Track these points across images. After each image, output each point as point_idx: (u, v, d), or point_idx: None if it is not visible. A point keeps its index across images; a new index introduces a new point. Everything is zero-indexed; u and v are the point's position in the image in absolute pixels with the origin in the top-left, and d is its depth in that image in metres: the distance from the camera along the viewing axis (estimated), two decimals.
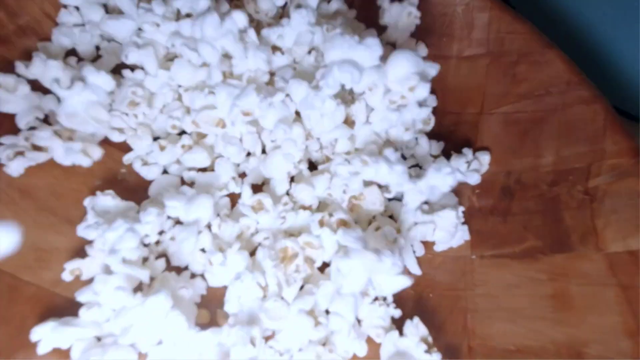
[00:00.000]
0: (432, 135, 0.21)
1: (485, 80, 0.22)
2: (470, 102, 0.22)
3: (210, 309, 0.17)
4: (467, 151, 0.20)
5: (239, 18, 0.16)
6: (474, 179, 0.19)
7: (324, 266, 0.17)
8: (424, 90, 0.18)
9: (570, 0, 0.27)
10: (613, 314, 0.15)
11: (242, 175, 0.19)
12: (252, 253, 0.17)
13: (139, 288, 0.15)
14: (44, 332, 0.13)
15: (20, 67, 0.16)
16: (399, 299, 0.17)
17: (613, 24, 0.26)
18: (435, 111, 0.21)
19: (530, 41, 0.20)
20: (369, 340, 0.16)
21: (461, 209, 0.19)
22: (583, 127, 0.19)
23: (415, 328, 0.16)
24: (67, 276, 0.15)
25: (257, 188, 0.18)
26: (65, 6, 0.18)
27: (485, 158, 0.20)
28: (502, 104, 0.21)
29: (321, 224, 0.17)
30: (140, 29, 0.17)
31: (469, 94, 0.22)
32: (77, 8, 0.18)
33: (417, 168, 0.20)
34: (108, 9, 0.18)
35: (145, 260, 0.15)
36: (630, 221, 0.16)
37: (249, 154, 0.18)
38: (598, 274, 0.16)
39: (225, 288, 0.16)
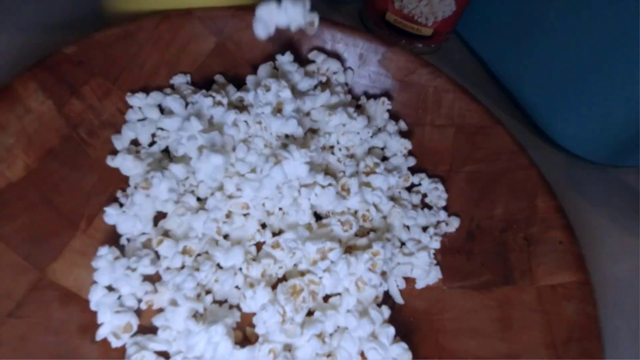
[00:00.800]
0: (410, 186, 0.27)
1: (452, 145, 0.28)
2: (442, 162, 0.28)
3: (242, 329, 0.22)
4: (443, 213, 0.26)
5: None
6: (437, 245, 0.25)
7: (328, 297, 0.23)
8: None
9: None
10: (539, 332, 0.21)
11: (264, 226, 0.25)
12: (274, 287, 0.23)
13: (195, 316, 0.21)
14: (133, 343, 0.19)
15: (109, 159, 0.22)
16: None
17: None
18: (412, 169, 0.27)
19: (484, 118, 0.26)
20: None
21: (432, 251, 0.24)
22: (523, 187, 0.24)
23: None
24: (143, 306, 0.21)
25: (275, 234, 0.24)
26: (132, 106, 0.24)
27: (455, 221, 0.25)
28: (465, 164, 0.27)
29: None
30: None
31: (441, 155, 0.28)
32: (140, 108, 0.24)
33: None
34: (163, 110, 0.24)
35: (198, 295, 0.21)
36: (554, 262, 0.22)
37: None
38: (530, 302, 0.22)
39: (254, 314, 0.22)
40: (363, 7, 0.43)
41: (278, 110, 0.23)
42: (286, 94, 0.23)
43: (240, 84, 0.27)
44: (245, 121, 0.23)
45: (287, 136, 0.24)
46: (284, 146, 0.22)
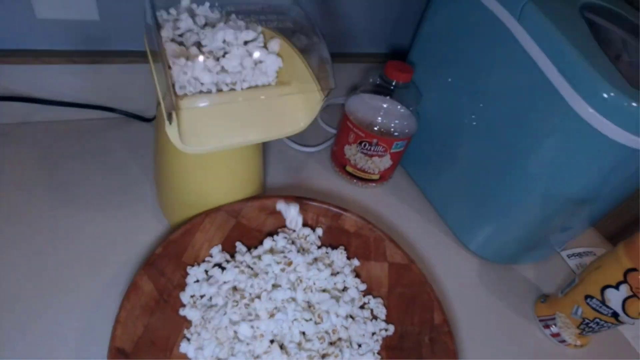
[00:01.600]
0: (362, 305, 0.43)
1: (388, 275, 0.44)
2: (382, 286, 0.44)
3: None
4: (383, 323, 0.41)
5: None
6: (377, 347, 0.40)
7: None
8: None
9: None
10: None
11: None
12: None
13: None
14: None
15: (180, 310, 0.38)
16: None
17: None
18: (364, 292, 0.43)
19: (404, 258, 0.43)
20: None
21: (377, 349, 0.39)
22: (427, 306, 0.40)
23: None
24: None
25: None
26: (189, 274, 0.40)
27: (391, 328, 0.41)
28: (396, 288, 0.43)
29: None
30: None
31: (382, 282, 0.44)
32: (194, 274, 0.40)
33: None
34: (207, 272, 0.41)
35: None
36: (442, 354, 0.37)
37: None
38: None
39: None
40: (330, 159, 0.61)
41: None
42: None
43: (250, 246, 0.44)
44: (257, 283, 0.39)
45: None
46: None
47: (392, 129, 0.53)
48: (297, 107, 0.35)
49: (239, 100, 0.30)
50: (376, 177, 0.58)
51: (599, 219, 0.52)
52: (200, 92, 0.30)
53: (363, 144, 0.53)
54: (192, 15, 0.34)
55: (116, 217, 0.46)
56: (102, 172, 0.51)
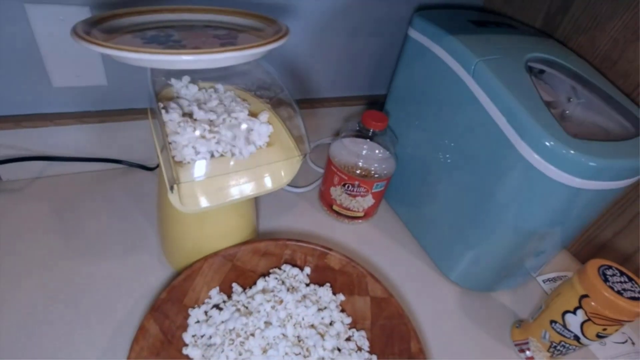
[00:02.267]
0: (348, 337, 0.47)
1: (370, 309, 0.48)
2: (366, 318, 0.48)
3: None
4: (367, 354, 0.45)
5: None
6: None
7: None
8: None
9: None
10: None
11: None
12: None
13: None
14: None
15: (183, 349, 0.42)
16: None
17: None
18: (350, 324, 0.48)
19: (384, 292, 0.47)
20: None
21: None
22: (405, 336, 0.44)
23: None
24: None
25: None
26: (190, 315, 0.45)
27: (375, 358, 0.45)
28: (378, 320, 0.47)
29: None
30: None
31: (365, 314, 0.48)
32: (195, 315, 0.45)
33: None
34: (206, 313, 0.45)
35: None
36: None
37: None
38: None
39: None
40: (319, 198, 0.67)
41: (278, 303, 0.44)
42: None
43: (245, 285, 0.48)
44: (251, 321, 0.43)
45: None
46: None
47: (372, 171, 0.59)
48: (280, 166, 0.41)
49: (233, 170, 0.36)
50: (361, 214, 0.63)
51: (570, 242, 0.56)
52: (196, 158, 0.36)
53: (346, 186, 0.59)
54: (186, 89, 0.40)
55: (124, 264, 0.51)
56: (110, 221, 0.56)
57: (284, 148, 0.40)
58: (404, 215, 0.66)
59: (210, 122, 0.38)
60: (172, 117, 0.36)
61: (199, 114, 0.37)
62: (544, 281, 0.62)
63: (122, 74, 0.58)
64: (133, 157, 0.65)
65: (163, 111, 0.36)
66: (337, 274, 0.50)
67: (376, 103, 0.79)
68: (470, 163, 0.51)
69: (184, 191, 0.35)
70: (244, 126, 0.37)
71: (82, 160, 0.61)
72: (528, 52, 0.52)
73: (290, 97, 0.38)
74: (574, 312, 0.43)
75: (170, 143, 0.34)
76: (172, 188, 0.33)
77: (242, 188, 0.38)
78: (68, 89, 0.57)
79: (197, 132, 0.35)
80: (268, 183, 0.40)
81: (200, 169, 0.34)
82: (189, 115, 0.38)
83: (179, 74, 0.43)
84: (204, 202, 0.36)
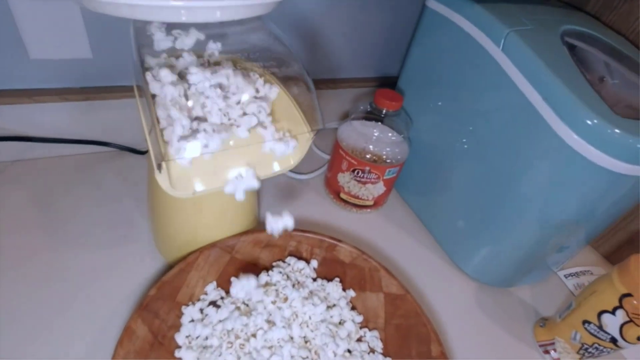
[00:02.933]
0: (359, 338, 0.42)
1: (384, 306, 0.44)
2: (379, 317, 0.44)
3: None
4: (380, 356, 0.41)
5: None
6: None
7: None
8: None
9: None
10: None
11: None
12: None
13: None
14: None
15: (176, 352, 0.38)
16: None
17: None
18: (361, 324, 0.43)
19: (400, 289, 0.43)
20: None
21: None
22: (424, 337, 0.40)
23: None
24: None
25: None
26: (184, 313, 0.40)
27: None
28: (393, 319, 0.43)
29: None
30: None
31: (378, 312, 0.44)
32: (189, 313, 0.40)
33: None
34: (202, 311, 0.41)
35: None
36: None
37: None
38: None
39: None
40: (325, 186, 0.62)
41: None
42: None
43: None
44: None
45: None
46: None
47: (384, 156, 0.54)
48: None
49: (231, 148, 0.31)
50: (370, 203, 0.58)
51: (596, 237, 0.52)
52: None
53: (356, 172, 0.54)
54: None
55: (110, 256, 0.46)
56: (97, 208, 0.51)
57: (292, 123, 0.35)
58: (415, 205, 0.61)
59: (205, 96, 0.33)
60: (161, 84, 0.30)
61: (195, 79, 0.32)
62: (565, 276, 0.58)
63: (109, 45, 0.53)
64: (122, 140, 0.60)
65: (150, 77, 0.30)
66: (347, 267, 0.46)
67: (386, 85, 0.73)
68: (493, 146, 0.46)
69: (175, 172, 0.30)
70: (244, 97, 0.32)
71: (65, 141, 0.56)
72: (562, 25, 0.47)
73: (300, 62, 0.33)
74: (613, 313, 0.39)
75: (157, 119, 0.29)
76: (159, 166, 0.28)
77: (243, 170, 0.33)
78: (48, 62, 0.52)
79: (190, 103, 0.30)
80: (273, 164, 0.35)
81: (194, 146, 0.29)
82: (182, 79, 0.32)
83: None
84: (198, 186, 0.31)
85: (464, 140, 0.50)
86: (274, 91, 0.35)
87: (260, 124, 0.33)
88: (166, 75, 0.31)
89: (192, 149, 0.29)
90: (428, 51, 0.53)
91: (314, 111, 0.34)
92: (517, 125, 0.43)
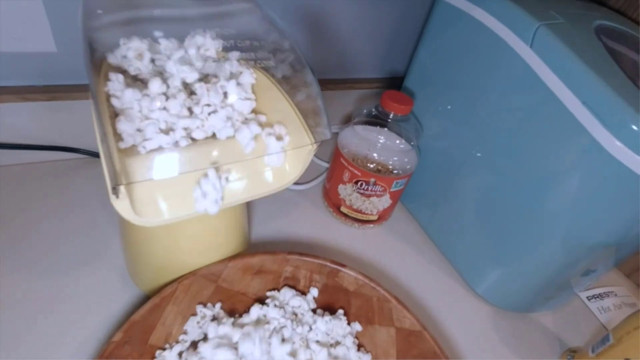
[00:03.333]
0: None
1: (396, 342, 0.37)
2: (390, 355, 0.37)
3: None
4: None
5: None
6: None
7: None
8: None
9: None
10: None
11: None
12: None
13: None
14: None
15: None
16: None
17: None
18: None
19: (414, 324, 0.37)
20: None
21: None
22: None
23: None
24: None
25: None
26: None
27: None
28: (406, 357, 0.37)
29: None
30: None
31: (389, 349, 0.38)
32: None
33: None
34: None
35: None
36: None
37: None
38: None
39: None
40: (323, 198, 0.55)
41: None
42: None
43: (234, 312, 0.37)
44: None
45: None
46: None
47: (390, 166, 0.48)
48: (285, 158, 0.29)
49: (207, 167, 0.24)
50: (374, 217, 0.52)
51: (627, 257, 0.47)
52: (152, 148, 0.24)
53: (360, 184, 0.48)
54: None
55: (75, 283, 0.39)
56: (63, 225, 0.44)
57: (291, 132, 0.28)
58: (423, 219, 0.55)
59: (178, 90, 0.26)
60: (117, 82, 0.24)
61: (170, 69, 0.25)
62: (588, 298, 0.52)
63: (76, 37, 0.46)
64: (93, 146, 0.52)
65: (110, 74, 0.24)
66: (351, 296, 0.39)
67: (392, 85, 0.68)
68: (513, 157, 0.41)
69: (139, 195, 0.23)
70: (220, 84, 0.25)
71: (26, 147, 0.48)
72: (594, 19, 0.42)
73: (300, 53, 0.26)
74: None
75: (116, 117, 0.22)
76: (115, 190, 0.21)
77: (229, 189, 0.27)
78: (5, 55, 0.44)
79: (158, 104, 0.23)
80: (267, 181, 0.28)
81: (164, 160, 0.22)
82: (141, 81, 0.26)
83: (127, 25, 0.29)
84: (170, 210, 0.24)
85: (479, 147, 0.45)
86: (247, 77, 0.27)
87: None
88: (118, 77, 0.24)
89: (164, 165, 0.22)
90: (440, 48, 0.48)
91: (316, 115, 0.27)
92: (546, 131, 0.37)
